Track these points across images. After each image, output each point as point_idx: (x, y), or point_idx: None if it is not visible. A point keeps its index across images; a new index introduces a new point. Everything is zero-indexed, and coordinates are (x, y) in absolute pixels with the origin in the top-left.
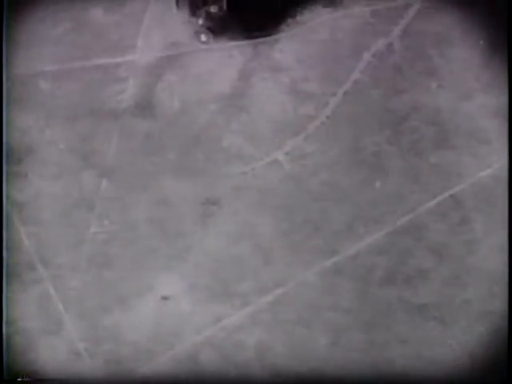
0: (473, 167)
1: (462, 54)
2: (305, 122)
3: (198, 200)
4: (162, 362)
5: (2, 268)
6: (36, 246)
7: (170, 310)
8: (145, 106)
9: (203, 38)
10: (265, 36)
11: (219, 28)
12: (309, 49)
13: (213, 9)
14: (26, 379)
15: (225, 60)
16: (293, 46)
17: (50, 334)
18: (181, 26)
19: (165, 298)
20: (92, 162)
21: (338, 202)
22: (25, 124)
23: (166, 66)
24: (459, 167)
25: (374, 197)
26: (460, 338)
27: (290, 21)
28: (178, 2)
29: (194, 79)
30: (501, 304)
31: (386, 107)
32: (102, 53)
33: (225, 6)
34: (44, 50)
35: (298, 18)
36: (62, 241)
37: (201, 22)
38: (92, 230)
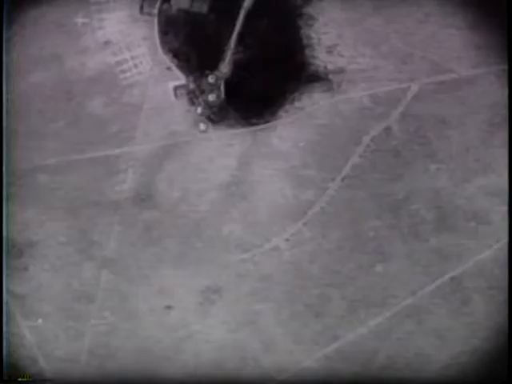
0: (473, 249)
1: (460, 136)
2: (304, 207)
3: (198, 289)
4: None
5: (3, 363)
6: (37, 340)
7: None
8: (144, 197)
9: (202, 126)
10: (263, 123)
11: (218, 116)
12: (307, 134)
13: (211, 97)
14: (25, 379)
15: (224, 148)
16: (291, 132)
17: None
18: (179, 116)
19: None
20: (92, 253)
21: (338, 288)
22: (25, 218)
23: (166, 156)
24: (459, 249)
25: (375, 281)
26: None
27: (288, 107)
28: (177, 92)
29: (193, 168)
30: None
31: (385, 191)
32: (102, 145)
33: (223, 95)
34: (44, 143)
35: (297, 103)
36: (63, 333)
37: (199, 111)
38: (93, 322)
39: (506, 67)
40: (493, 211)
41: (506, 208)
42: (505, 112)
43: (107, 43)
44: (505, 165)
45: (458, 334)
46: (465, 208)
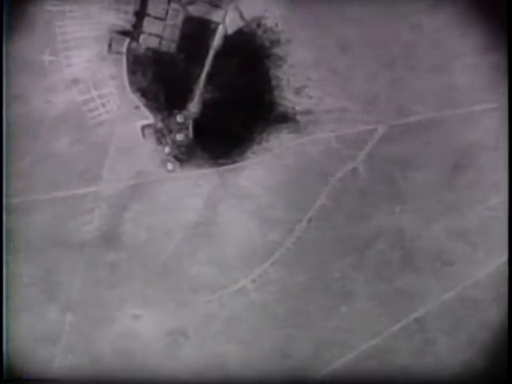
0: (437, 289)
1: (425, 178)
2: (271, 248)
3: (164, 331)
4: None
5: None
6: None
7: None
8: (111, 237)
9: (170, 166)
10: (231, 163)
11: (185, 156)
12: (275, 175)
13: (179, 137)
14: (25, 379)
15: (191, 188)
16: (259, 172)
17: None
18: (147, 155)
19: None
20: (57, 295)
21: (304, 329)
22: None
23: (132, 196)
24: (423, 290)
25: (340, 322)
26: None
27: (256, 148)
28: (144, 131)
29: (160, 208)
30: None
31: (351, 232)
32: (67, 184)
33: (191, 135)
34: (8, 182)
35: (264, 144)
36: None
37: (167, 150)
38: (56, 365)
39: (471, 109)
40: (457, 252)
41: (469, 250)
42: (469, 153)
43: (74, 81)
44: (469, 205)
45: (422, 374)
46: (429, 249)
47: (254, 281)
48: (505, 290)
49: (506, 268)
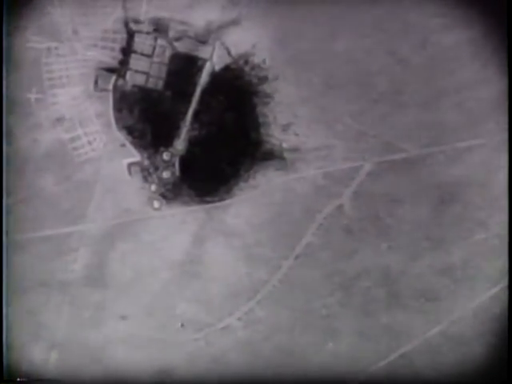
0: (422, 325)
1: (411, 214)
2: (257, 286)
3: (151, 370)
4: None
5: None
6: None
7: None
8: (96, 276)
9: (156, 204)
10: (218, 201)
11: (172, 194)
12: (261, 212)
13: (165, 175)
14: (25, 379)
15: (178, 226)
16: (246, 209)
17: None
18: (133, 193)
19: None
20: (41, 335)
21: (290, 367)
22: None
23: (118, 234)
24: (409, 326)
25: (327, 359)
26: None
27: (242, 185)
28: (131, 169)
29: (146, 247)
30: None
31: (337, 269)
32: (53, 223)
33: (177, 172)
34: None
35: (251, 181)
36: None
37: (153, 188)
38: None
39: (456, 146)
40: (442, 288)
41: (454, 286)
42: (454, 190)
43: (60, 119)
44: (454, 242)
45: None
46: (415, 285)
47: (239, 319)
48: (489, 325)
49: (490, 303)
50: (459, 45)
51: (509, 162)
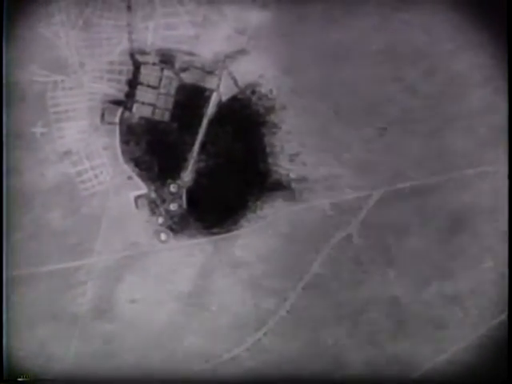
0: (429, 354)
1: (419, 243)
2: (265, 317)
3: None
4: None
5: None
6: None
7: None
8: (104, 309)
9: (163, 237)
10: (225, 232)
11: (179, 226)
12: (269, 243)
13: (172, 207)
14: (25, 379)
15: (185, 258)
16: (253, 241)
17: None
18: (140, 226)
19: None
20: (51, 367)
21: None
22: None
23: (126, 267)
24: (416, 355)
25: None
26: None
27: (250, 216)
28: (138, 202)
29: (154, 279)
30: None
31: (344, 299)
32: (61, 257)
33: (184, 204)
34: (1, 256)
35: (259, 212)
36: None
37: (160, 220)
38: None
39: (467, 173)
40: (449, 316)
41: (461, 314)
42: (462, 218)
43: (67, 153)
44: (462, 269)
45: None
46: (422, 314)
47: (247, 350)
48: (496, 352)
49: (496, 330)
50: (468, 70)
51: (509, 187)
